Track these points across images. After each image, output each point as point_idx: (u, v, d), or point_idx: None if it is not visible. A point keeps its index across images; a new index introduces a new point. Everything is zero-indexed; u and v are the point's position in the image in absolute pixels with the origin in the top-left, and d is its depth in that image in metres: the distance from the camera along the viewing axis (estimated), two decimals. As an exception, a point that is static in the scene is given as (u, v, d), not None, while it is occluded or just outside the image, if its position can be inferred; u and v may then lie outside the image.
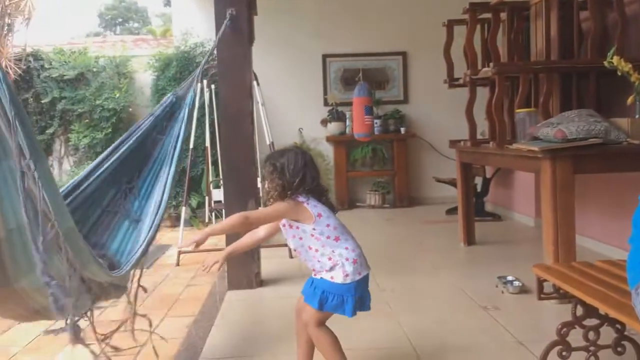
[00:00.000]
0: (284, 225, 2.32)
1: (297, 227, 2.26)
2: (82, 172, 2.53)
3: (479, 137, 4.95)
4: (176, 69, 7.29)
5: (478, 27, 4.89)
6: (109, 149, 2.61)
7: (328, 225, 2.23)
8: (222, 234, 2.31)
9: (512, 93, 4.70)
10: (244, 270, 3.93)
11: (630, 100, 3.43)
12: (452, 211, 6.45)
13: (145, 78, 7.79)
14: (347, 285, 2.20)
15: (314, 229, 2.22)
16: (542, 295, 2.40)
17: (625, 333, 2.34)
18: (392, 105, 7.82)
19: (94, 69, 7.82)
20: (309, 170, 2.25)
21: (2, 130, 1.61)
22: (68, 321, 2.03)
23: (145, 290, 2.76)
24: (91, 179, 2.48)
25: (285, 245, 4.31)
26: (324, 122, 7.76)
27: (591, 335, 2.32)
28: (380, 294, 3.68)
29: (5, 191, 1.66)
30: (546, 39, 4.23)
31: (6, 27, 7.82)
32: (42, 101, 7.75)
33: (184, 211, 5.29)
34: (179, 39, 7.60)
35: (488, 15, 4.67)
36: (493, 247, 4.96)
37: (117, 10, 24.84)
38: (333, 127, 7.65)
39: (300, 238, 2.27)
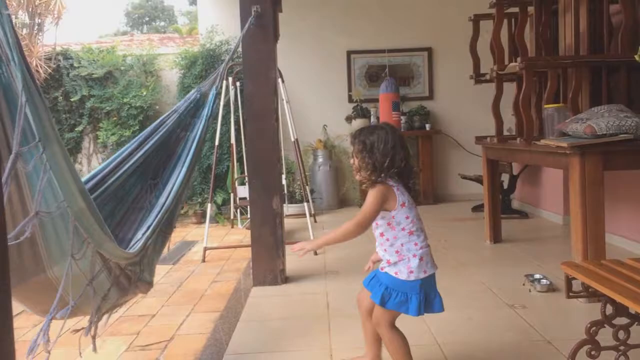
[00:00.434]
0: None
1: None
2: (104, 166, 2.53)
3: (505, 133, 4.90)
4: (202, 67, 7.36)
5: (505, 21, 4.83)
6: (134, 145, 2.63)
7: (407, 217, 2.19)
8: (335, 243, 2.27)
9: (540, 88, 4.64)
10: (269, 266, 3.95)
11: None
12: (478, 208, 6.38)
13: (171, 76, 7.88)
14: (411, 282, 2.16)
15: (392, 217, 2.18)
16: (570, 294, 2.36)
17: (657, 333, 2.29)
18: (417, 102, 7.77)
19: (122, 68, 7.94)
20: (398, 151, 2.19)
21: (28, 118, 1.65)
22: (94, 313, 2.07)
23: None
24: (117, 174, 2.52)
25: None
26: (349, 119, 7.74)
27: (621, 334, 2.28)
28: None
29: (36, 178, 1.71)
30: (575, 33, 4.16)
31: (36, 27, 7.98)
32: (72, 99, 7.90)
33: (209, 208, 5.33)
34: (205, 37, 7.66)
35: (515, 9, 4.61)
36: (520, 245, 4.90)
37: (143, 9, 25.13)
38: (357, 124, 7.63)
39: (377, 223, 2.23)
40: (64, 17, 8.13)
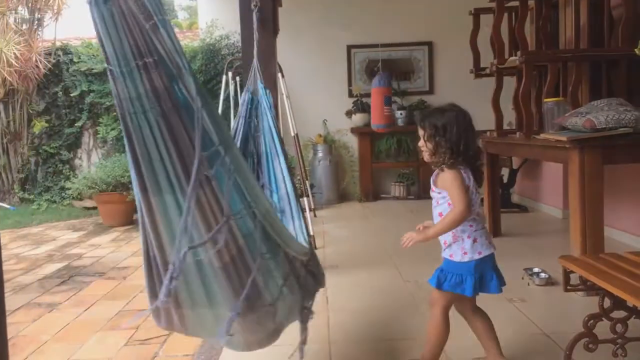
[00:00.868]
0: (432, 190, 2.27)
1: (439, 192, 2.22)
2: None
3: (505, 127, 4.89)
4: (202, 61, 7.35)
5: (505, 15, 4.81)
6: None
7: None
8: (443, 234, 2.21)
9: (540, 82, 4.63)
10: (268, 261, 3.95)
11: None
12: (478, 203, 6.38)
13: (171, 71, 7.86)
14: (466, 264, 2.16)
15: None
16: (568, 287, 2.36)
17: (655, 326, 2.30)
18: (418, 96, 7.77)
19: (122, 62, 7.92)
20: (470, 132, 2.18)
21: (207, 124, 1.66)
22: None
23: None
24: None
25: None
26: (349, 114, 7.74)
27: (619, 327, 2.28)
28: (404, 285, 3.68)
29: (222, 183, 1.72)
30: (575, 27, 4.15)
31: (36, 22, 7.98)
32: (71, 94, 7.90)
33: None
34: (205, 32, 7.65)
35: (515, 3, 4.59)
36: (519, 239, 4.90)
37: (144, 4, 25.07)
38: (357, 119, 7.63)
39: (438, 202, 2.24)
40: (64, 12, 8.13)
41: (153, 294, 1.93)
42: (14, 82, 7.53)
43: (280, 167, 2.61)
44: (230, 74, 6.10)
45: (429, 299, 2.36)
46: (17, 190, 8.03)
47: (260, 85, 2.90)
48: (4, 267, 1.78)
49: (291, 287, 1.96)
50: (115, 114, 7.83)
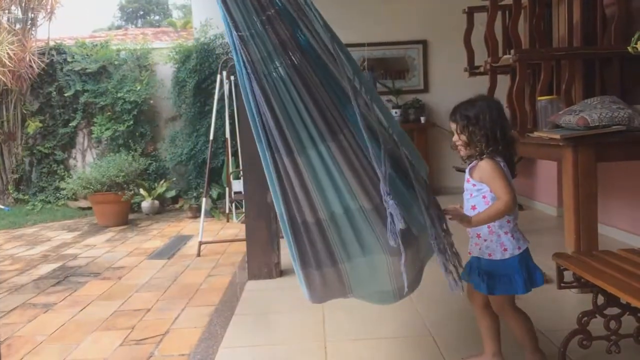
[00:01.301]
0: (467, 181, 2.21)
1: (474, 185, 2.17)
2: None
3: (499, 125, 4.89)
4: (196, 61, 7.33)
5: (499, 13, 4.82)
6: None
7: None
8: (485, 224, 2.13)
9: (534, 80, 4.64)
10: (264, 260, 3.96)
11: (655, 86, 3.36)
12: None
13: (166, 70, 7.86)
14: (508, 261, 2.12)
15: (490, 191, 2.12)
16: (562, 284, 2.38)
17: (648, 322, 2.31)
18: (412, 95, 7.77)
19: (116, 62, 7.91)
20: (504, 121, 2.13)
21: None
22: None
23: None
24: None
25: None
26: (344, 112, 7.73)
27: (612, 324, 2.29)
28: (399, 283, 3.69)
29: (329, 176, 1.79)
30: (569, 25, 4.16)
31: (29, 22, 7.96)
32: (65, 94, 7.88)
33: (204, 202, 5.33)
34: (199, 31, 7.63)
35: (509, 1, 4.61)
36: (514, 237, 4.90)
37: (138, 3, 25.01)
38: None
39: (472, 194, 2.18)
40: (58, 11, 8.11)
41: (305, 262, 1.92)
42: (7, 82, 7.50)
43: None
44: (224, 73, 6.09)
45: (473, 302, 2.31)
46: (11, 191, 8.00)
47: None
48: (-1, 268, 1.78)
49: (429, 216, 1.92)
50: (109, 113, 7.82)
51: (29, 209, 7.67)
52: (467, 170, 2.23)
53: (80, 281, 4.25)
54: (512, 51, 3.98)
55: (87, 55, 7.90)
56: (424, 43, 7.81)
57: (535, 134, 3.65)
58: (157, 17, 24.91)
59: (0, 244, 5.84)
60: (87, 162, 8.06)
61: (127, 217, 6.82)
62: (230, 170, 6.44)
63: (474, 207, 2.17)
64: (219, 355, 2.71)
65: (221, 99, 6.23)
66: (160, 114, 8.11)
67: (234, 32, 1.76)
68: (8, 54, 7.26)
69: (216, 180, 7.22)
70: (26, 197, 7.98)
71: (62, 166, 8.05)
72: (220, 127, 6.74)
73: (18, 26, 7.88)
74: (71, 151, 8.17)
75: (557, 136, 3.22)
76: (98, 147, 8.12)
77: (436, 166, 7.79)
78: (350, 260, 1.93)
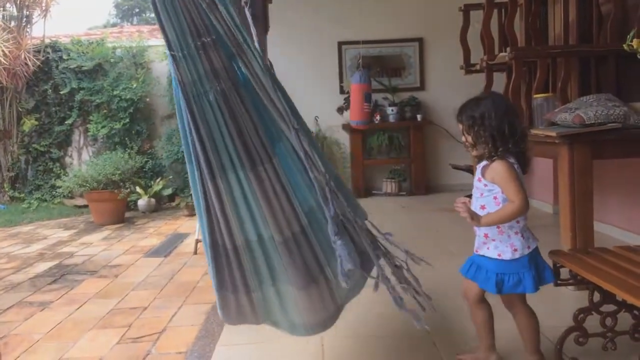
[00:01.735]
0: (479, 180, 2.19)
1: (486, 185, 2.14)
2: None
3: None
4: (192, 59, 7.31)
5: (495, 11, 4.83)
6: None
7: None
8: (495, 225, 2.11)
9: (530, 78, 4.65)
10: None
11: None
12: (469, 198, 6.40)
13: (161, 67, 7.85)
14: (519, 260, 2.11)
15: (500, 192, 2.09)
16: (558, 282, 2.38)
17: (643, 319, 2.32)
18: (409, 93, 7.77)
19: (111, 60, 7.88)
20: (512, 117, 2.09)
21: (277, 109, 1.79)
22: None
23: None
24: None
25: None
26: (340, 110, 7.74)
27: (608, 321, 2.30)
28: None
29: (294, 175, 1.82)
30: (564, 23, 4.17)
31: (24, 19, 7.92)
32: (61, 92, 7.85)
33: (201, 200, 5.31)
34: (195, 29, 7.61)
35: (505, -1, 4.62)
36: (510, 234, 4.92)
37: (133, 1, 24.93)
38: (349, 115, 7.62)
39: (482, 194, 2.16)
40: (53, 9, 8.08)
41: (222, 285, 1.95)
42: (2, 80, 7.47)
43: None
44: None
45: (468, 297, 2.33)
46: (7, 189, 7.98)
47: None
48: (-5, 267, 1.78)
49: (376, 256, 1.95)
50: (105, 111, 7.80)
51: (25, 207, 7.65)
52: (478, 169, 2.21)
53: (76, 279, 4.24)
54: (508, 49, 3.99)
55: (83, 53, 7.88)
56: (420, 41, 7.82)
57: (531, 131, 3.66)
58: (152, 15, 24.81)
59: (-4, 242, 5.83)
60: (83, 160, 8.04)
61: (123, 215, 6.80)
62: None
63: (483, 207, 2.16)
64: (216, 352, 2.71)
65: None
66: (157, 112, 8.09)
67: (167, 51, 1.77)
68: (3, 51, 7.23)
69: (212, 178, 7.21)
70: (22, 195, 7.95)
71: (58, 164, 8.02)
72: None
73: (13, 23, 7.85)
74: (67, 149, 8.15)
75: (553, 134, 3.23)
76: (94, 145, 8.10)
77: (432, 164, 7.80)
78: (261, 288, 1.98)
